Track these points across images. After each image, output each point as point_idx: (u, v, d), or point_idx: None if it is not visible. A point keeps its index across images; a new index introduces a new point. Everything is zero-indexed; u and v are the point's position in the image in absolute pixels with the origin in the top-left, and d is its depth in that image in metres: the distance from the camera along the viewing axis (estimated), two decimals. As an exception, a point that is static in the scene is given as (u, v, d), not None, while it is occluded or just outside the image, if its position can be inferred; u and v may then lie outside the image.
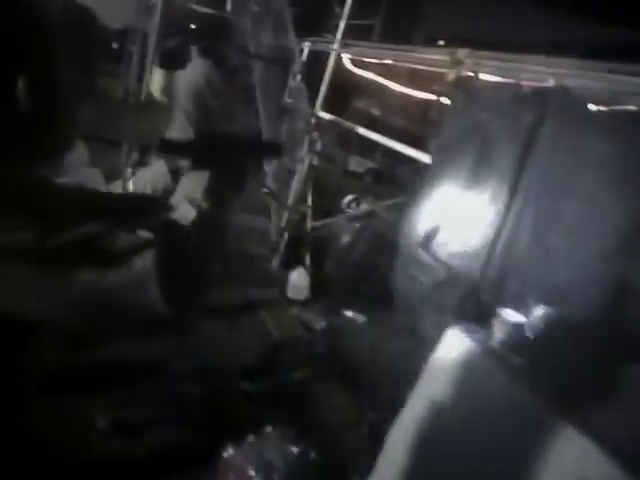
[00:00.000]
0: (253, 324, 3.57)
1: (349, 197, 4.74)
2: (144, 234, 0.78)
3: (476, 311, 1.78)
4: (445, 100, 5.85)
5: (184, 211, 0.90)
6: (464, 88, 2.28)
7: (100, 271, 0.70)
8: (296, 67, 4.55)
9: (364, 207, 4.66)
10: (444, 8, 7.28)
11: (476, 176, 2.03)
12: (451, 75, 2.34)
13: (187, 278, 0.78)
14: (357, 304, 4.08)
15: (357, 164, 5.53)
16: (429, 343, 1.81)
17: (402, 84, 5.70)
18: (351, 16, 5.45)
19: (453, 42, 3.56)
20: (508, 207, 1.92)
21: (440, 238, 2.02)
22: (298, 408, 2.75)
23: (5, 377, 0.83)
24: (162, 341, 2.93)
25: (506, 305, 1.64)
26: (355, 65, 5.29)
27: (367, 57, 3.93)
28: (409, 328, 2.69)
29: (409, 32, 8.16)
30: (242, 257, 4.22)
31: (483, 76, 2.35)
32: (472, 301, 1.84)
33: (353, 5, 4.78)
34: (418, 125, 5.73)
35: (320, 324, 3.79)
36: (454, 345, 1.55)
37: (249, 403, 2.63)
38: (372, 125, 4.30)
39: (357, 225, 4.49)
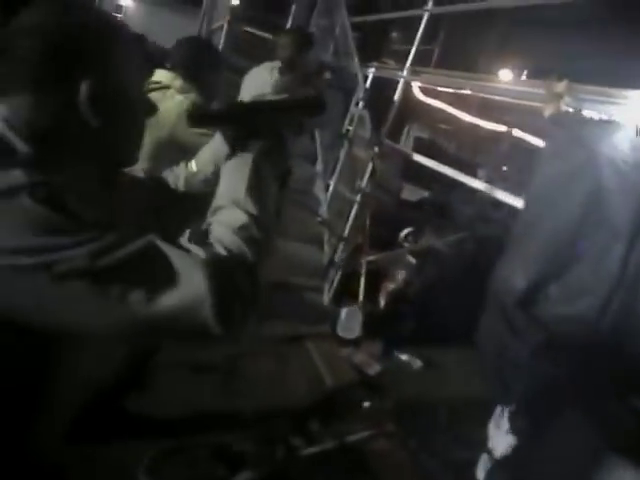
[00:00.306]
0: (302, 364, 3.33)
1: (406, 230, 4.47)
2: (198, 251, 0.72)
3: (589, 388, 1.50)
4: (516, 132, 5.60)
5: (231, 217, 0.81)
6: (564, 125, 2.01)
7: (155, 290, 0.67)
8: (359, 93, 4.37)
9: (423, 242, 4.38)
10: (521, 34, 6.91)
11: (584, 225, 1.75)
12: (547, 110, 2.07)
13: (240, 297, 0.74)
14: (413, 346, 3.80)
15: (416, 194, 5.26)
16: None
17: (473, 114, 5.43)
18: (408, 41, 5.26)
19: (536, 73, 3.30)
20: (624, 262, 1.63)
21: (542, 295, 1.74)
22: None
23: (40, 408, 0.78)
24: (209, 379, 2.76)
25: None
26: (425, 94, 5.07)
27: (443, 86, 3.68)
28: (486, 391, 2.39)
29: (470, 59, 7.88)
30: (291, 288, 4.02)
31: (585, 113, 2.06)
32: (582, 374, 1.56)
33: (413, 30, 4.59)
34: (487, 158, 5.44)
35: (374, 368, 3.52)
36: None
37: (297, 461, 2.38)
38: (437, 155, 4.03)
39: (415, 261, 4.22)
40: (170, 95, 1.91)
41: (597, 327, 1.59)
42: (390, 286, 4.12)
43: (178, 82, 1.93)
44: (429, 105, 5.29)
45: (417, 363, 3.73)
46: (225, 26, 4.05)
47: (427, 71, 3.74)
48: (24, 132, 0.72)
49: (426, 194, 5.08)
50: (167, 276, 0.68)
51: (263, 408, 2.62)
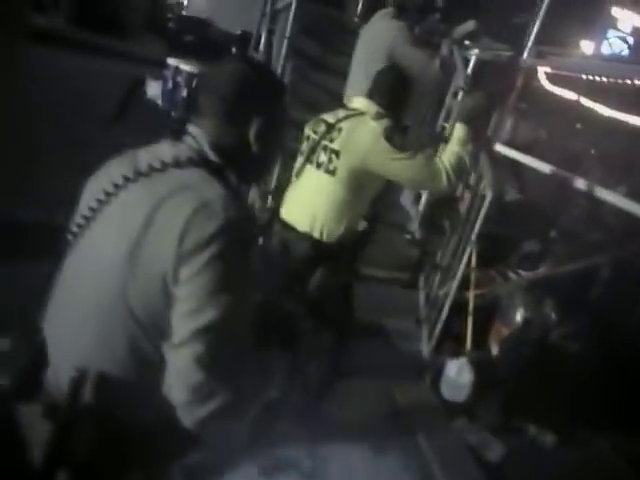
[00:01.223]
0: (398, 444, 2.51)
1: (523, 251, 3.51)
2: None
3: None
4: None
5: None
6: None
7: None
8: (458, 81, 3.43)
9: (543, 269, 3.40)
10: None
11: None
12: None
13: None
14: (543, 416, 2.88)
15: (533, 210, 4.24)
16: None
17: (615, 108, 4.33)
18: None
19: None
20: None
21: None
22: None
23: None
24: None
25: None
26: (552, 82, 4.03)
27: (581, 72, 2.69)
28: None
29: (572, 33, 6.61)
30: (378, 334, 3.19)
31: None
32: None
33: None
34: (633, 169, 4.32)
35: (495, 450, 2.63)
36: None
37: None
38: (565, 161, 3.04)
39: (536, 294, 3.27)
40: (364, 121, 1.94)
41: None
42: (504, 330, 3.20)
43: (374, 109, 1.99)
44: (560, 97, 4.23)
45: (550, 439, 2.81)
46: (294, 5, 3.22)
47: (558, 53, 2.75)
48: (213, 146, 1.04)
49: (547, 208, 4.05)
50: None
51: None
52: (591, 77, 2.62)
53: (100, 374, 0.92)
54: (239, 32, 14.96)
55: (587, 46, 7.89)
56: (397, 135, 1.88)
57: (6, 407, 0.96)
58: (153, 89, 6.26)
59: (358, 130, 1.90)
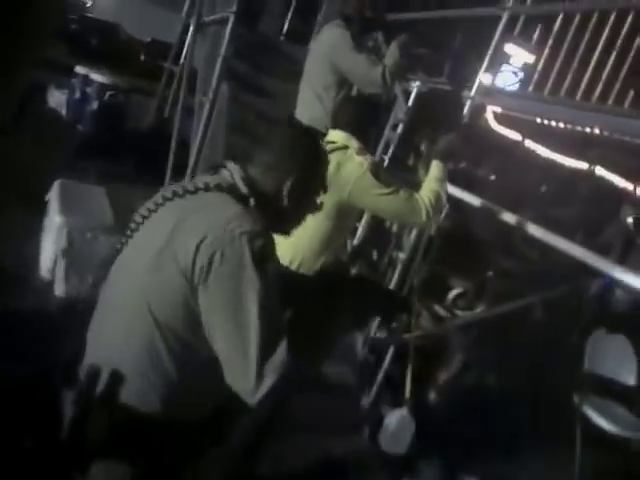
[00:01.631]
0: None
1: (455, 291, 3.44)
2: None
3: None
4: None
5: None
6: None
7: None
8: (398, 114, 3.34)
9: (479, 309, 3.36)
10: None
11: None
12: None
13: None
14: (481, 465, 2.77)
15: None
16: None
17: (557, 150, 4.45)
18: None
19: None
20: None
21: None
22: None
23: None
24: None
25: None
26: (499, 122, 4.06)
27: (531, 114, 2.67)
28: None
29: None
30: (314, 381, 2.94)
31: None
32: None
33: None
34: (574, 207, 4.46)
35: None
36: None
37: None
38: (502, 198, 3.02)
39: (473, 336, 3.20)
40: (350, 156, 1.95)
41: None
42: (442, 374, 3.08)
43: (355, 143, 2.00)
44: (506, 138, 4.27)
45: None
46: (230, 22, 2.94)
47: (506, 92, 2.72)
48: (249, 185, 1.15)
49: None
50: None
51: None
52: (540, 120, 2.60)
53: (114, 369, 1.06)
54: (149, 40, 14.28)
55: (487, 78, 8.64)
56: (381, 170, 1.95)
57: (52, 391, 1.18)
58: (56, 98, 5.61)
59: (345, 165, 1.91)
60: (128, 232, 1.18)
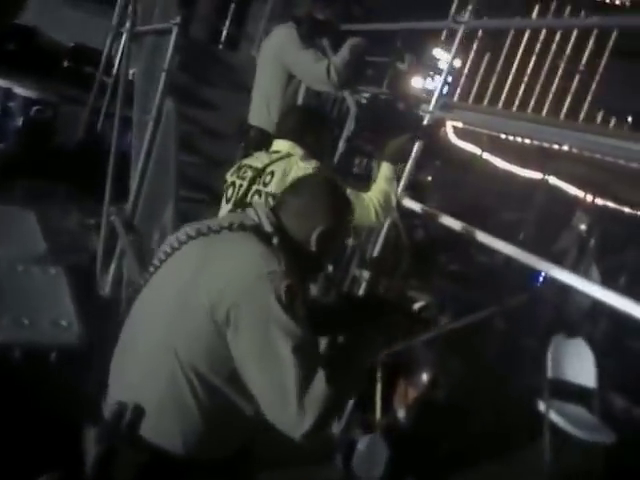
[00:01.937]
0: None
1: (419, 304, 3.38)
2: None
3: None
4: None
5: None
6: None
7: None
8: (349, 125, 3.26)
9: (444, 322, 3.33)
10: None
11: None
12: None
13: None
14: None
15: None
16: None
17: (513, 162, 4.50)
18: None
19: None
20: None
21: None
22: None
23: None
24: None
25: None
26: (458, 136, 4.04)
27: (491, 129, 2.66)
28: None
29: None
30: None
31: None
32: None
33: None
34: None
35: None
36: None
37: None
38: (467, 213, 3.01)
39: (438, 350, 3.16)
40: (294, 163, 1.97)
41: None
42: (410, 391, 3.02)
43: (299, 150, 2.02)
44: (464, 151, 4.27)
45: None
46: (174, 33, 2.74)
47: (464, 106, 2.70)
48: (275, 225, 1.16)
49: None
50: None
51: None
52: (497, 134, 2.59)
53: (138, 408, 1.06)
54: (71, 44, 13.49)
55: (417, 82, 8.91)
56: (328, 174, 1.90)
57: (74, 431, 1.19)
58: (-28, 114, 5.08)
59: (291, 172, 1.92)
60: (151, 269, 1.20)
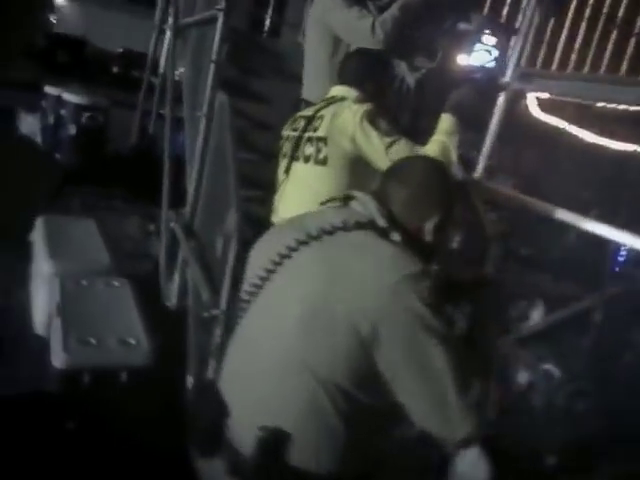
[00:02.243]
0: None
1: (525, 302, 3.06)
2: None
3: None
4: None
5: None
6: None
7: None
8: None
9: (536, 318, 2.98)
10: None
11: None
12: None
13: None
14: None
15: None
16: None
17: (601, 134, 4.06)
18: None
19: None
20: None
21: None
22: None
23: None
24: None
25: None
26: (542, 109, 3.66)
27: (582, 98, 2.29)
28: None
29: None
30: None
31: None
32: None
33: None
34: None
35: None
36: None
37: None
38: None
39: (533, 350, 2.83)
40: (346, 105, 1.86)
41: None
42: (502, 397, 2.72)
43: (354, 93, 1.93)
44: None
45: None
46: (220, 21, 2.54)
47: (547, 74, 2.33)
48: (389, 219, 1.07)
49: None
50: None
51: None
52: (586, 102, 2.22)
53: (283, 432, 0.98)
54: (120, 50, 13.90)
55: (463, 59, 8.56)
56: (381, 119, 1.79)
57: (187, 464, 1.14)
58: (29, 124, 5.12)
59: (341, 114, 1.81)
60: (256, 281, 1.10)
